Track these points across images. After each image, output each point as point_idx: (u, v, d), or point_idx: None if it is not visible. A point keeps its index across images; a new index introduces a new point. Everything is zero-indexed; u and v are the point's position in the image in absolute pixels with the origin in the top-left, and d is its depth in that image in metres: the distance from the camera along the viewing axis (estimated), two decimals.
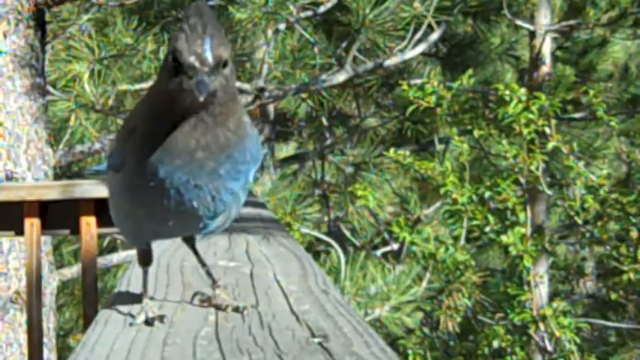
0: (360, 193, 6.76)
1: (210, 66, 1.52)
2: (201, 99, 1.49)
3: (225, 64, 1.55)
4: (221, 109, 1.57)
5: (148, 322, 1.63)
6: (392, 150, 6.61)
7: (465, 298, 6.30)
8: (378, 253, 8.88)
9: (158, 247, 2.29)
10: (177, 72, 1.53)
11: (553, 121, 6.09)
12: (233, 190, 1.64)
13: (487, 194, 6.04)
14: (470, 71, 6.44)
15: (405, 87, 6.47)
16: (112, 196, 1.78)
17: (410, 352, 6.75)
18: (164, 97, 1.56)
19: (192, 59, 1.51)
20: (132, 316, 1.67)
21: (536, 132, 6.08)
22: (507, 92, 6.04)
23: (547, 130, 6.04)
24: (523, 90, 6.06)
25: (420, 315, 7.95)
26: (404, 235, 6.32)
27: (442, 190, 6.17)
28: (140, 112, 1.67)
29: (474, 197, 6.07)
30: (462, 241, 6.40)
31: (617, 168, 10.59)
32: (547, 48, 9.17)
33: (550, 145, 6.04)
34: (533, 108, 5.97)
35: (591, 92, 6.52)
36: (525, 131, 6.00)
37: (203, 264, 1.86)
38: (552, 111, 6.08)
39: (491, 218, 6.02)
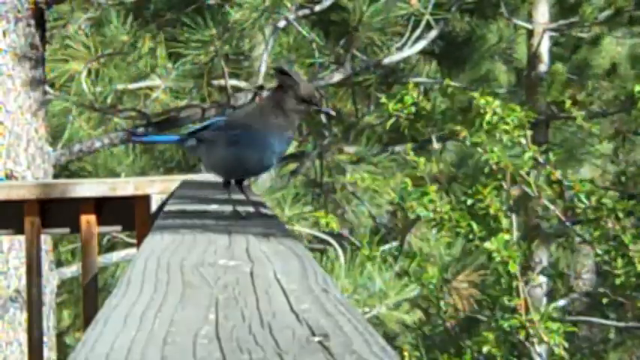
0: (359, 182, 6.70)
1: None
2: None
3: None
4: None
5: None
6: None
7: (450, 306, 6.27)
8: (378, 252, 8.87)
9: (158, 245, 2.30)
10: None
11: (529, 132, 6.02)
12: None
13: (469, 201, 5.96)
14: (448, 80, 6.42)
15: (383, 100, 6.32)
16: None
17: (405, 353, 6.73)
18: None
19: None
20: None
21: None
22: (483, 102, 5.95)
23: (522, 140, 5.97)
24: (497, 102, 5.96)
25: (418, 314, 7.95)
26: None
27: (425, 199, 6.10)
28: None
29: (457, 205, 6.00)
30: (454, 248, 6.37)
31: (606, 168, 10.55)
32: (545, 46, 9.17)
33: (526, 156, 5.97)
34: (509, 120, 5.90)
35: (581, 95, 6.49)
36: (505, 138, 5.94)
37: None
38: (528, 122, 5.99)
39: (474, 226, 5.93)
